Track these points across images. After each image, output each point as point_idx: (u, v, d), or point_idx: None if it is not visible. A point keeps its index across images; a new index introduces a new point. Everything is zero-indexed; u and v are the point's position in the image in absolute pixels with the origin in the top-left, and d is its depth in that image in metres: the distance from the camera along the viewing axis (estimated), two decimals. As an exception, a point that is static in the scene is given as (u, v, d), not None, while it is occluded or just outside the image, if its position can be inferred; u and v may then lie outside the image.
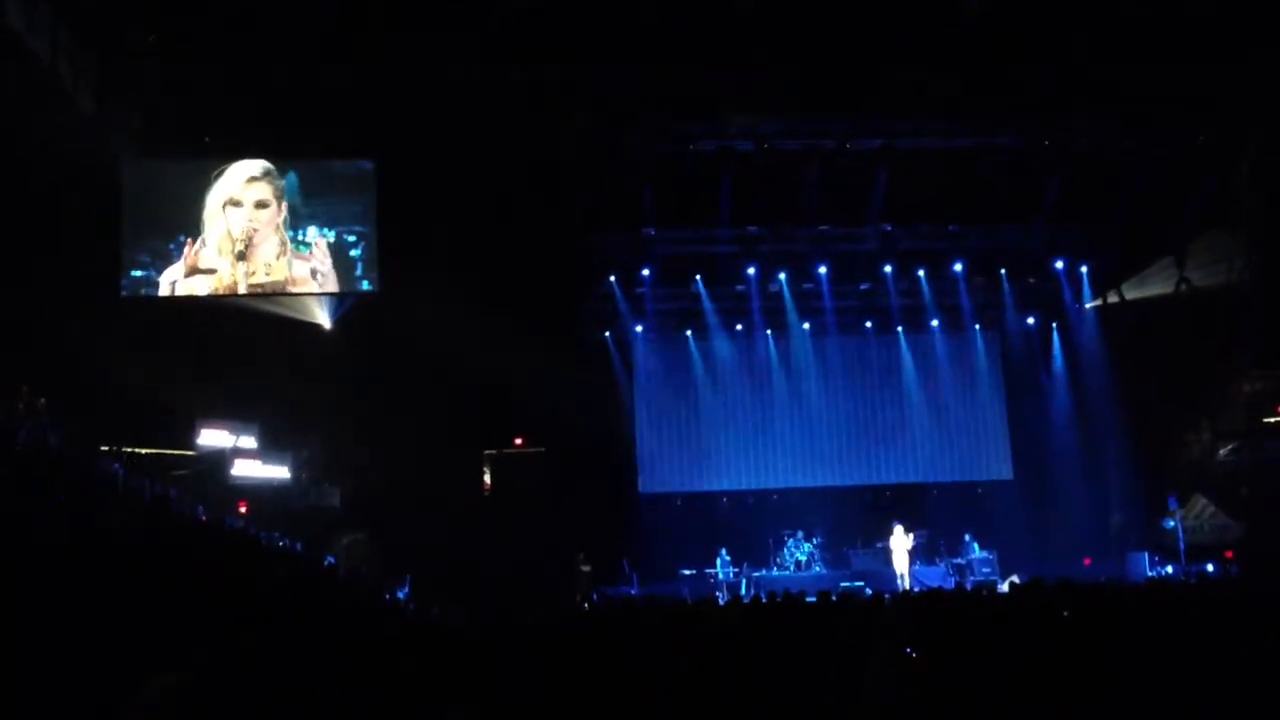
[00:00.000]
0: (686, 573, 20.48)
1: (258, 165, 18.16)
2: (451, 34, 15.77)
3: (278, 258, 18.18)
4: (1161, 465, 21.35)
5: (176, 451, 18.35)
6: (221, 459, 18.47)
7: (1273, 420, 21.11)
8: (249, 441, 19.02)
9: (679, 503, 22.89)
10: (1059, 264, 21.98)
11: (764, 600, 10.79)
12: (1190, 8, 15.62)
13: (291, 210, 18.19)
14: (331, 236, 18.31)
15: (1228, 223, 19.93)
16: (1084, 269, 21.98)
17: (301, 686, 6.11)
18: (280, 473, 19.26)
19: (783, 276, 21.84)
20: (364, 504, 19.37)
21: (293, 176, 18.21)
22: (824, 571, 20.87)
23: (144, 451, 17.37)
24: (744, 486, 23.18)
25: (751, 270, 21.59)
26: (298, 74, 16.23)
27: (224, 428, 18.87)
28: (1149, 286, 21.49)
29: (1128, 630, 7.45)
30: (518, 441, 22.45)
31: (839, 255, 21.46)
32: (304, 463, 19.86)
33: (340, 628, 9.80)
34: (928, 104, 17.86)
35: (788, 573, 20.84)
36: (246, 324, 18.33)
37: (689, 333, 23.08)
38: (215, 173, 18.00)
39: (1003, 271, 22.18)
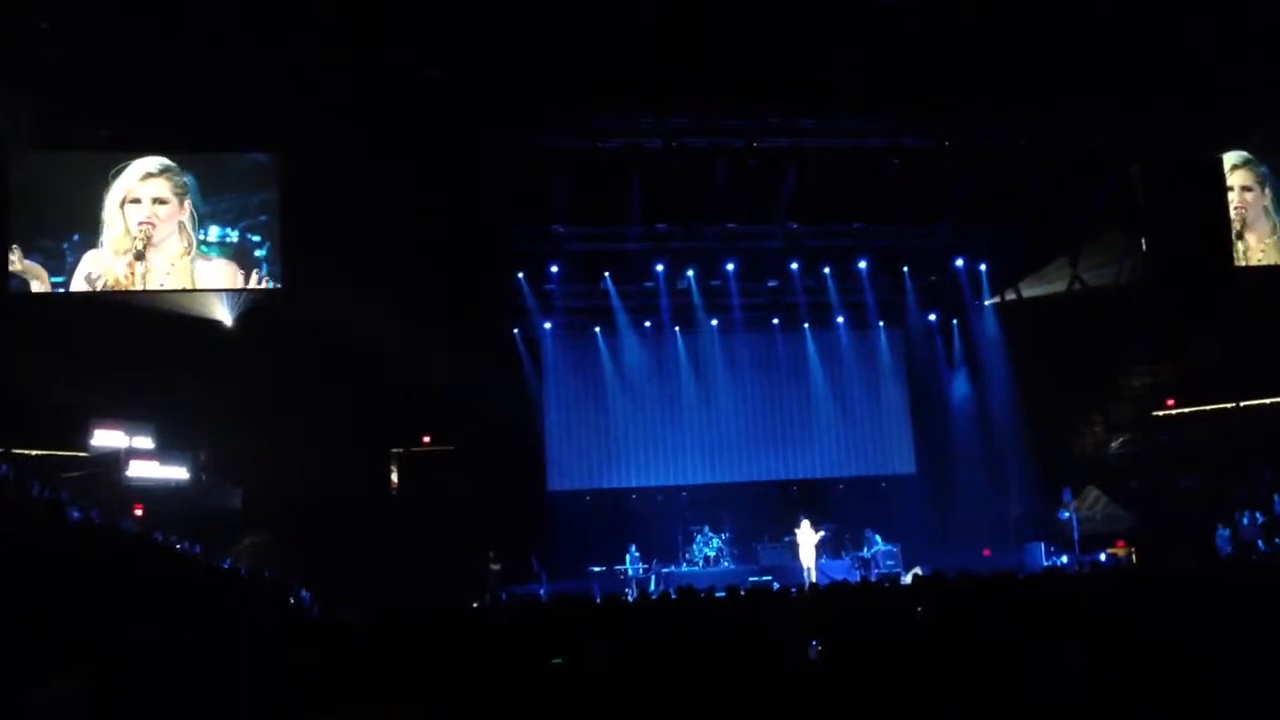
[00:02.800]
0: (596, 569, 20.53)
1: (155, 162, 17.67)
2: (357, 26, 15.51)
3: (181, 257, 17.73)
4: (1057, 458, 22.01)
5: (68, 452, 17.74)
6: (116, 459, 17.91)
7: (1161, 414, 21.94)
8: (145, 441, 18.47)
9: (588, 499, 22.89)
10: (959, 262, 22.47)
11: (673, 596, 10.84)
12: (1088, 8, 16.06)
13: (193, 211, 17.74)
14: (235, 236, 17.90)
15: (1122, 222, 20.60)
16: (982, 267, 22.49)
17: (203, 689, 5.98)
18: (179, 473, 18.76)
19: (691, 273, 21.95)
20: (267, 505, 18.96)
21: (191, 178, 17.77)
22: (732, 566, 21.08)
23: (34, 453, 16.78)
24: (653, 483, 23.26)
25: (660, 267, 21.64)
26: (197, 65, 15.77)
27: (119, 427, 18.26)
28: (1046, 285, 22.11)
29: (1025, 617, 7.68)
30: (426, 439, 22.25)
31: (747, 253, 21.63)
32: (204, 463, 19.38)
33: (241, 629, 9.61)
34: (835, 104, 18.13)
35: (697, 568, 21.02)
36: (144, 321, 17.76)
37: (598, 329, 23.07)
38: (113, 171, 17.47)
39: (905, 269, 22.61)
